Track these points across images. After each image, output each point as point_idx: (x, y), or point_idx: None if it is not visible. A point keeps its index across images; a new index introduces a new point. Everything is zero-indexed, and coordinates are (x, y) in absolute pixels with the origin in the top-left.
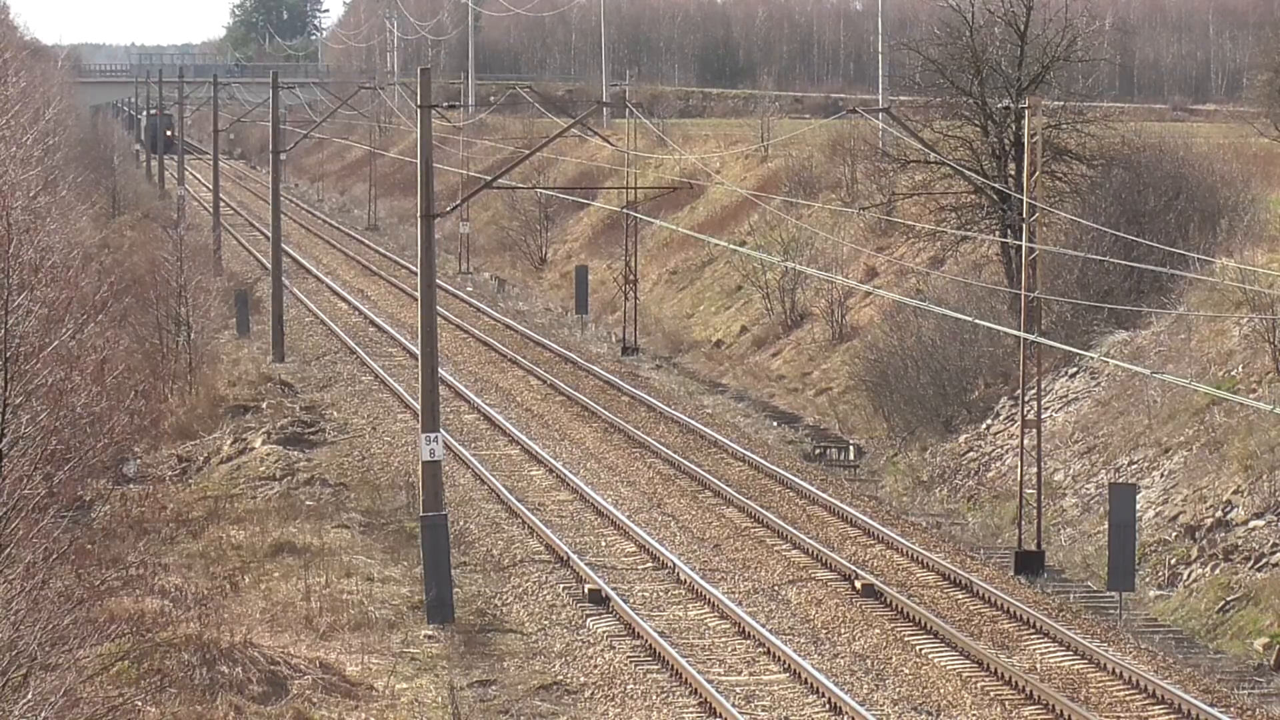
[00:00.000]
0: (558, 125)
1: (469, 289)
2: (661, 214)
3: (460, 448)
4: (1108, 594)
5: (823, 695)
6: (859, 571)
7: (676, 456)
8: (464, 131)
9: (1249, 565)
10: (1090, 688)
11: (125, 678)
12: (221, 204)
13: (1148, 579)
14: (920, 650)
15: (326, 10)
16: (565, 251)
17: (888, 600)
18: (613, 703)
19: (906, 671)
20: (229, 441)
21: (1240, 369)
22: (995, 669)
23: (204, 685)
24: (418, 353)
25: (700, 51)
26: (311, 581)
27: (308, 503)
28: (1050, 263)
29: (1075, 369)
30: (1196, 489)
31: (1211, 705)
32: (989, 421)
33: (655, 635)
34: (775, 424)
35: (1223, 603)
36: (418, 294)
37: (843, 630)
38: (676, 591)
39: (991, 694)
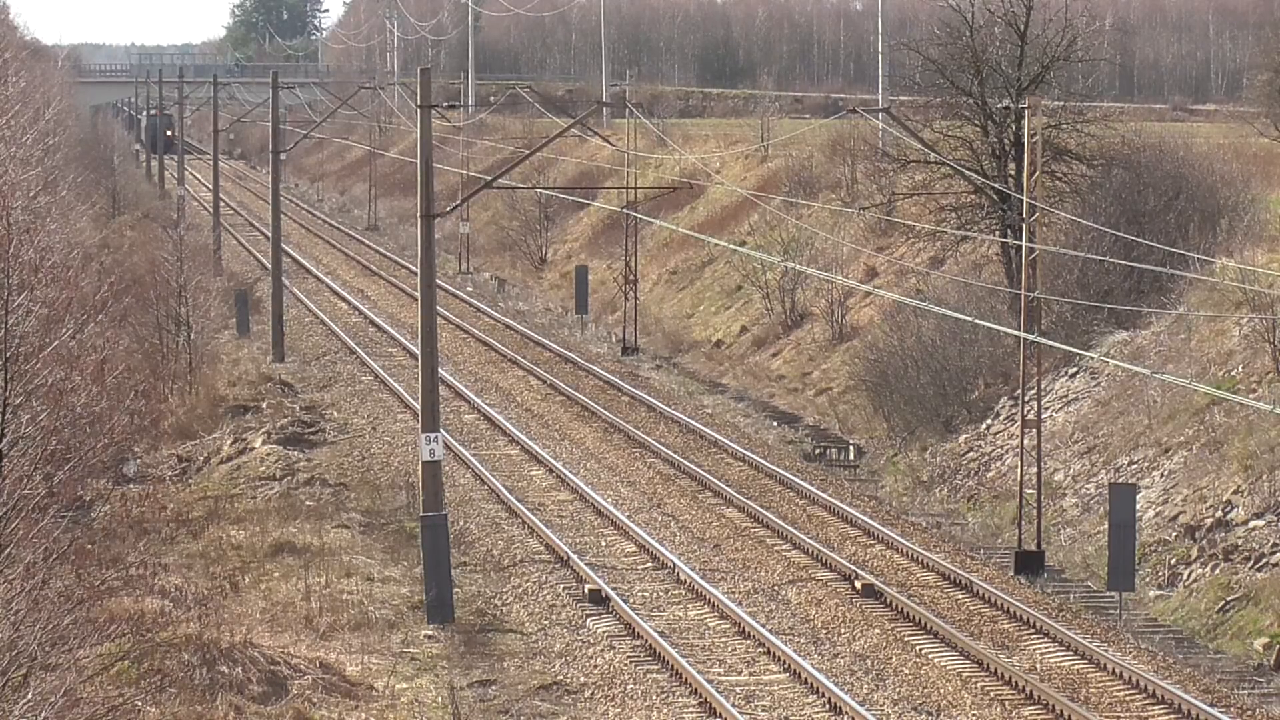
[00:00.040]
0: (558, 125)
1: (469, 289)
2: (661, 214)
3: (460, 448)
4: (1108, 594)
5: (823, 695)
6: (859, 571)
7: (676, 456)
8: (464, 131)
9: (1249, 565)
10: (1090, 688)
11: (125, 678)
12: (221, 204)
13: (1148, 579)
14: (920, 650)
15: (326, 10)
16: (565, 251)
17: (888, 600)
18: (613, 703)
19: (906, 671)
20: (229, 441)
21: (1240, 369)
22: (995, 669)
23: (204, 685)
24: (418, 353)
25: (700, 51)
26: (311, 581)
27: (308, 503)
28: (1050, 263)
29: (1075, 369)
30: (1196, 489)
31: (1211, 705)
32: (989, 421)
33: (655, 635)
34: (775, 424)
35: (1223, 603)
36: (418, 294)
37: (843, 630)
38: (676, 591)
39: (991, 694)
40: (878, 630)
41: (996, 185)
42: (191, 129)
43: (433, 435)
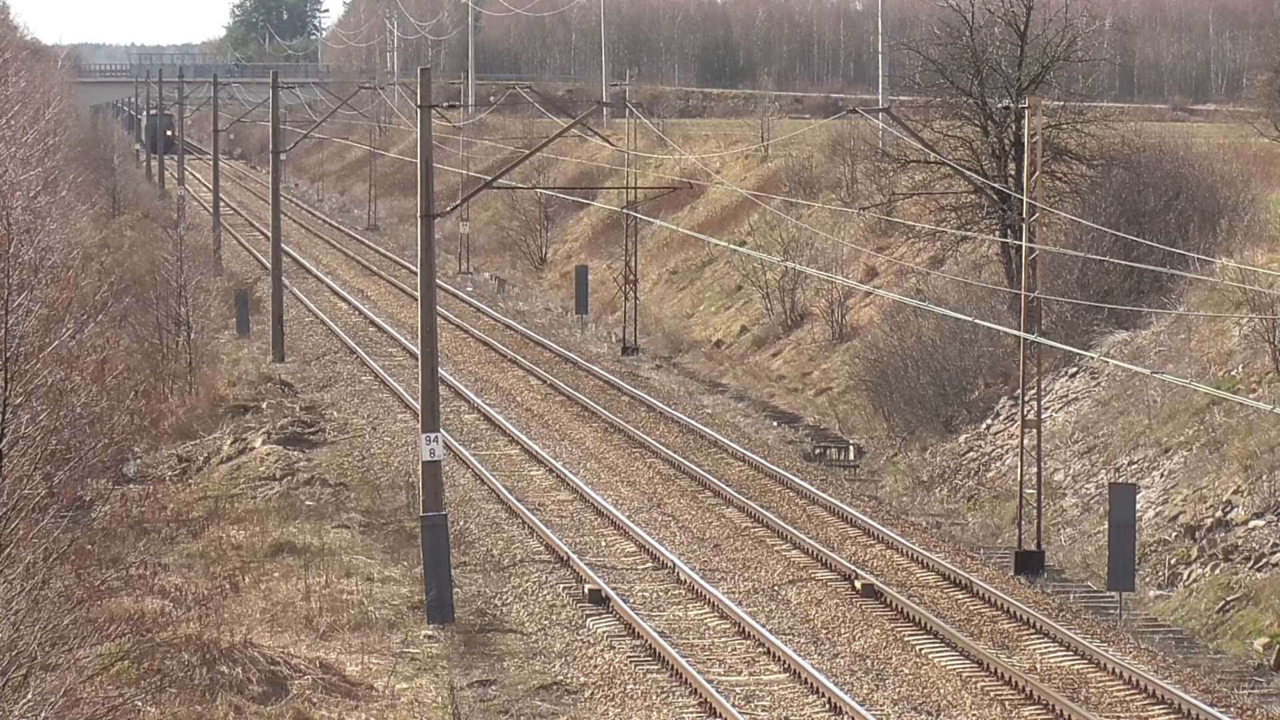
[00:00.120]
0: (558, 125)
1: (469, 289)
2: (661, 214)
3: (460, 448)
4: (1108, 594)
5: (823, 695)
6: (859, 571)
7: (676, 456)
8: (464, 131)
9: (1249, 565)
10: (1090, 688)
11: (125, 678)
12: (221, 204)
13: (1148, 579)
14: (920, 650)
15: (326, 10)
16: (565, 251)
17: (888, 600)
18: (613, 703)
19: (906, 671)
20: (229, 441)
21: (1240, 369)
22: (995, 669)
23: (204, 685)
24: (418, 353)
25: (700, 51)
26: (311, 581)
27: (308, 503)
28: (1050, 263)
29: (1075, 369)
30: (1196, 489)
31: (1211, 705)
32: (989, 421)
33: (655, 635)
34: (775, 424)
35: (1223, 603)
36: (418, 294)
37: (843, 630)
38: (676, 591)
39: (991, 694)
40: (878, 630)
41: (996, 185)
42: (191, 129)
43: (433, 435)
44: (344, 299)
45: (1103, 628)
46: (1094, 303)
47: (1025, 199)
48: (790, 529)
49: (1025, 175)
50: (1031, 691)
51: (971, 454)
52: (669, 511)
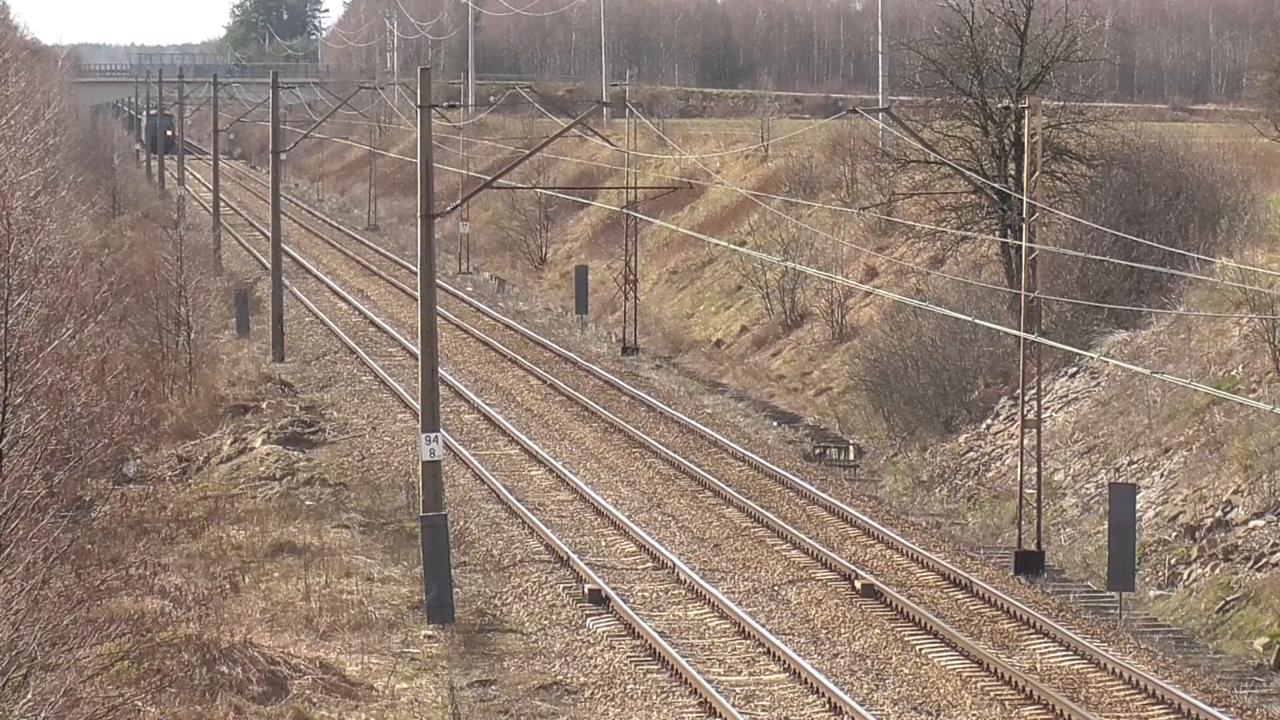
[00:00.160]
0: (558, 125)
1: (469, 289)
2: (661, 214)
3: (460, 448)
4: (1108, 594)
5: (823, 695)
6: (859, 571)
7: (676, 456)
8: (464, 131)
9: (1249, 565)
10: (1090, 688)
11: (125, 678)
12: (221, 204)
13: (1148, 579)
14: (920, 650)
15: (326, 10)
16: (565, 251)
17: (888, 600)
18: (613, 703)
19: (906, 671)
20: (229, 441)
21: (1240, 369)
22: (995, 669)
23: (204, 685)
24: (418, 353)
25: (700, 51)
26: (311, 581)
27: (308, 503)
28: (1050, 263)
29: (1075, 369)
30: (1196, 489)
31: (1211, 705)
32: (989, 421)
33: (655, 635)
34: (775, 424)
35: (1223, 603)
36: (418, 294)
37: (843, 630)
38: (676, 591)
39: (991, 694)
40: (878, 630)
41: (996, 185)
42: (191, 129)
43: (433, 435)
44: (344, 299)
45: (1103, 628)
46: (1094, 303)
47: (1025, 199)
48: (790, 529)
49: (1025, 175)
50: (1031, 691)
51: (971, 454)
52: (669, 511)
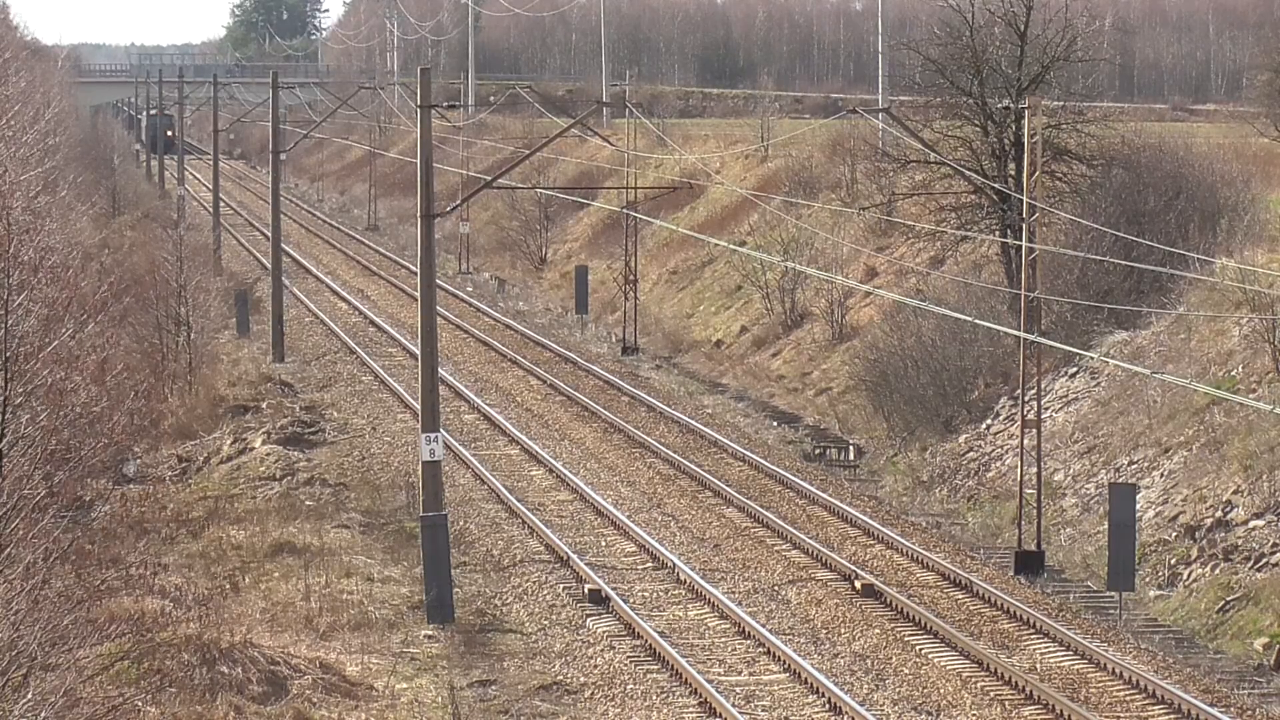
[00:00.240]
0: (558, 125)
1: (469, 289)
2: (661, 214)
3: (460, 448)
4: (1108, 594)
5: (823, 695)
6: (859, 571)
7: (676, 456)
8: (464, 131)
9: (1249, 565)
10: (1090, 688)
11: (125, 678)
12: (221, 204)
13: (1148, 579)
14: (920, 650)
15: (326, 10)
16: (565, 251)
17: (888, 600)
18: (613, 703)
19: (906, 671)
20: (229, 441)
21: (1240, 369)
22: (995, 669)
23: (204, 685)
24: (418, 353)
25: (700, 51)
26: (311, 581)
27: (308, 503)
28: (1050, 263)
29: (1075, 369)
30: (1196, 489)
31: (1211, 705)
32: (989, 421)
33: (655, 635)
34: (775, 424)
35: (1223, 603)
36: (418, 294)
37: (843, 630)
38: (676, 591)
39: (991, 694)
40: (878, 630)
41: (996, 185)
42: (191, 129)
43: (433, 435)
44: (344, 299)
45: (1103, 628)
46: (1094, 303)
47: (1025, 199)
48: (790, 529)
49: (1025, 175)
50: (1031, 691)
51: (971, 454)
52: (669, 511)
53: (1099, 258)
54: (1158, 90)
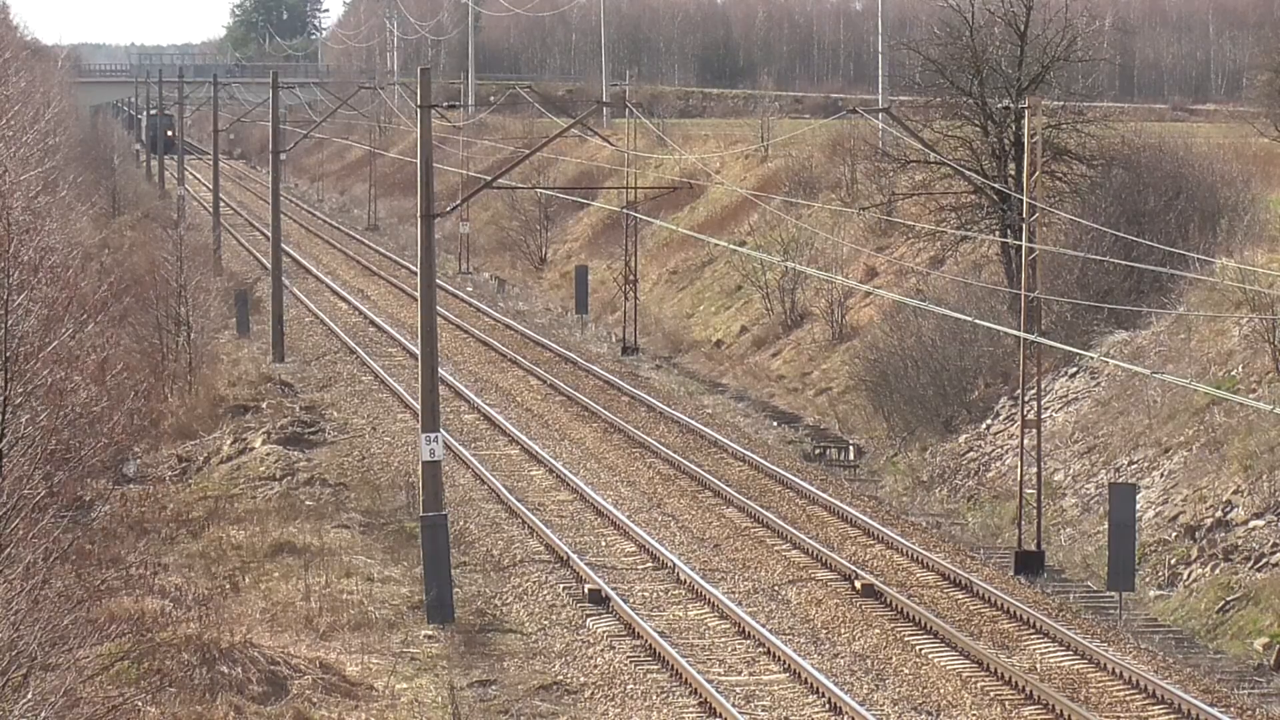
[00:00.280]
0: (558, 125)
1: (469, 289)
2: (661, 214)
3: (460, 448)
4: (1108, 594)
5: (823, 695)
6: (859, 571)
7: (676, 456)
8: (464, 131)
9: (1249, 565)
10: (1090, 688)
11: (125, 678)
12: (221, 204)
13: (1148, 579)
14: (920, 650)
15: (326, 10)
16: (565, 251)
17: (888, 600)
18: (613, 703)
19: (906, 671)
20: (229, 441)
21: (1240, 369)
22: (995, 669)
23: (204, 685)
24: (418, 353)
25: (700, 51)
26: (311, 581)
27: (308, 503)
28: (1050, 263)
29: (1075, 369)
30: (1196, 489)
31: (1211, 705)
32: (989, 421)
33: (655, 635)
34: (775, 424)
35: (1223, 603)
36: (418, 294)
37: (843, 630)
38: (676, 591)
39: (991, 694)
40: (878, 630)
41: (996, 185)
42: (191, 129)
43: (433, 435)
44: (344, 299)
45: (1103, 628)
46: (1094, 303)
47: (1025, 199)
48: (790, 529)
49: (1025, 175)
50: (1031, 691)
51: (971, 454)
52: (669, 511)
53: (1099, 258)
54: (1158, 90)
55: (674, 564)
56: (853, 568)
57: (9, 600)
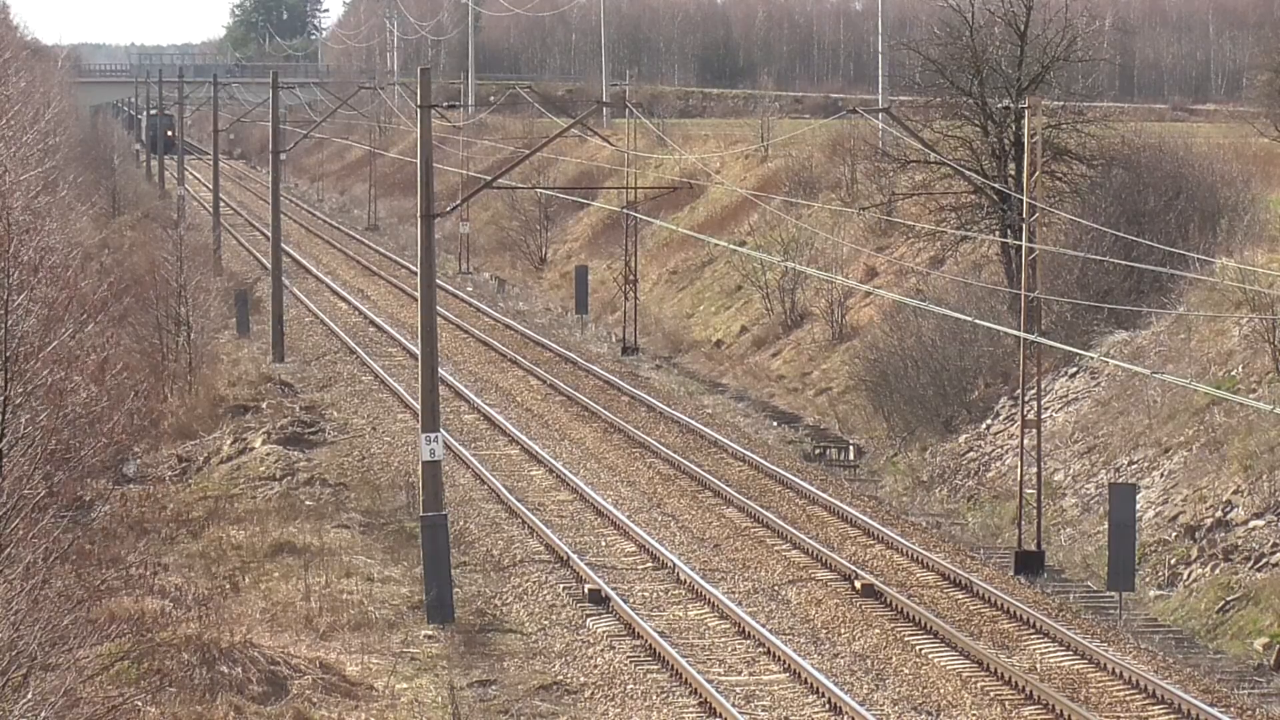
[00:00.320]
0: (558, 125)
1: (469, 289)
2: (661, 214)
3: (460, 448)
4: (1108, 594)
5: (823, 695)
6: (859, 571)
7: (676, 456)
8: (464, 131)
9: (1249, 565)
10: (1090, 688)
11: (125, 678)
12: (221, 204)
13: (1148, 579)
14: (920, 650)
15: (326, 10)
16: (565, 251)
17: (888, 600)
18: (613, 703)
19: (906, 671)
20: (229, 441)
21: (1240, 369)
22: (995, 669)
23: (204, 685)
24: (418, 353)
25: (700, 51)
26: (311, 581)
27: (308, 503)
28: (1050, 263)
29: (1075, 369)
30: (1196, 489)
31: (1211, 705)
32: (989, 421)
33: (655, 635)
34: (775, 424)
35: (1223, 603)
36: (418, 294)
37: (843, 630)
38: (676, 591)
39: (991, 694)
40: (878, 630)
41: (996, 185)
42: (191, 129)
43: (433, 435)
44: (344, 299)
45: (1103, 628)
46: (1094, 303)
47: (1025, 199)
48: (790, 529)
49: (1025, 175)
50: (1031, 691)
51: (971, 454)
52: (669, 511)
53: (1099, 258)
54: (1158, 90)
55: (674, 564)
56: (853, 568)
57: (9, 600)
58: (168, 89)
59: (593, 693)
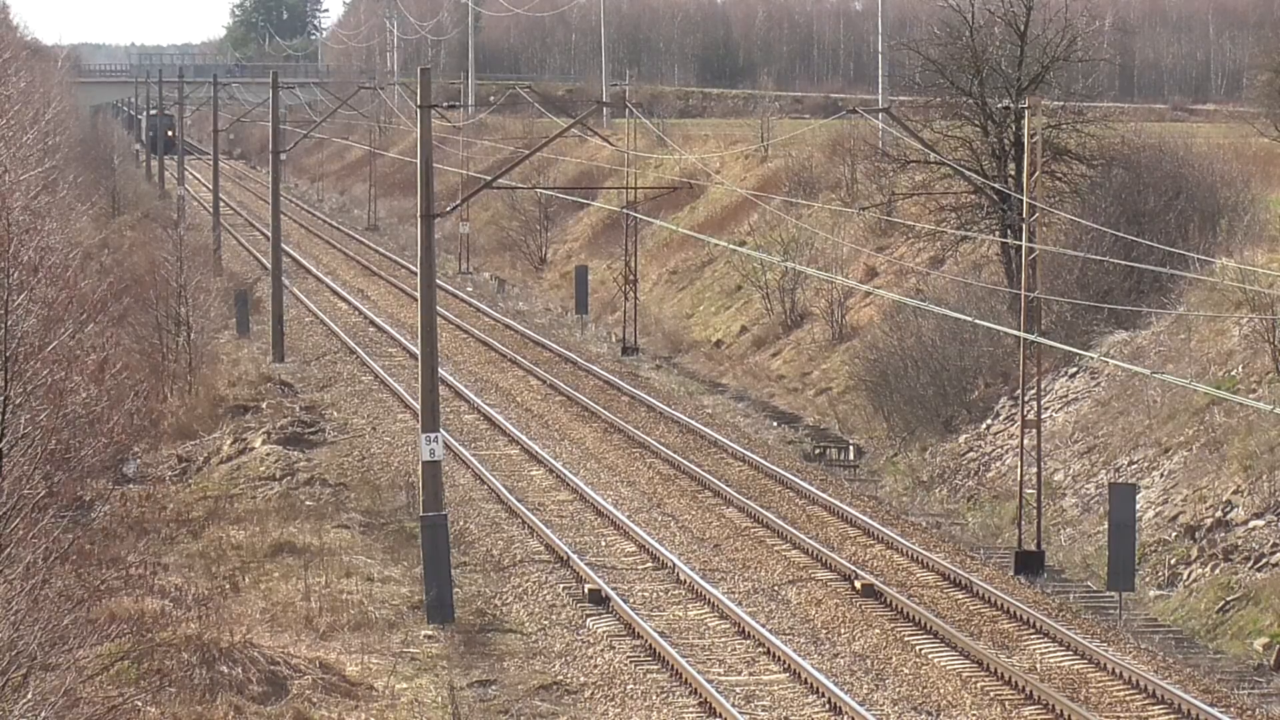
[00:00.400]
0: (558, 125)
1: (469, 289)
2: (661, 214)
3: (460, 448)
4: (1108, 594)
5: (823, 695)
6: (859, 571)
7: (676, 456)
8: (464, 131)
9: (1249, 565)
10: (1090, 688)
11: (125, 678)
12: (221, 204)
13: (1148, 579)
14: (920, 650)
15: (326, 10)
16: (565, 251)
17: (888, 600)
18: (613, 703)
19: (906, 671)
20: (229, 441)
21: (1240, 369)
22: (995, 669)
23: (204, 685)
24: (418, 353)
25: (700, 51)
26: (311, 581)
27: (308, 503)
28: (1050, 263)
29: (1075, 369)
30: (1196, 489)
31: (1211, 705)
32: (989, 421)
33: (655, 635)
34: (775, 424)
35: (1223, 603)
36: (418, 294)
37: (843, 630)
38: (676, 591)
39: (991, 694)
40: (878, 630)
41: (996, 185)
42: (191, 129)
43: (433, 435)
44: (344, 299)
45: (1103, 628)
46: (1094, 303)
47: (1025, 199)
48: (790, 529)
49: (1025, 175)
50: (1031, 691)
51: (971, 454)
52: (669, 511)
53: (1099, 258)
54: (1158, 90)
55: (674, 564)
56: (853, 568)
57: (9, 600)
58: (168, 89)
59: (593, 693)
